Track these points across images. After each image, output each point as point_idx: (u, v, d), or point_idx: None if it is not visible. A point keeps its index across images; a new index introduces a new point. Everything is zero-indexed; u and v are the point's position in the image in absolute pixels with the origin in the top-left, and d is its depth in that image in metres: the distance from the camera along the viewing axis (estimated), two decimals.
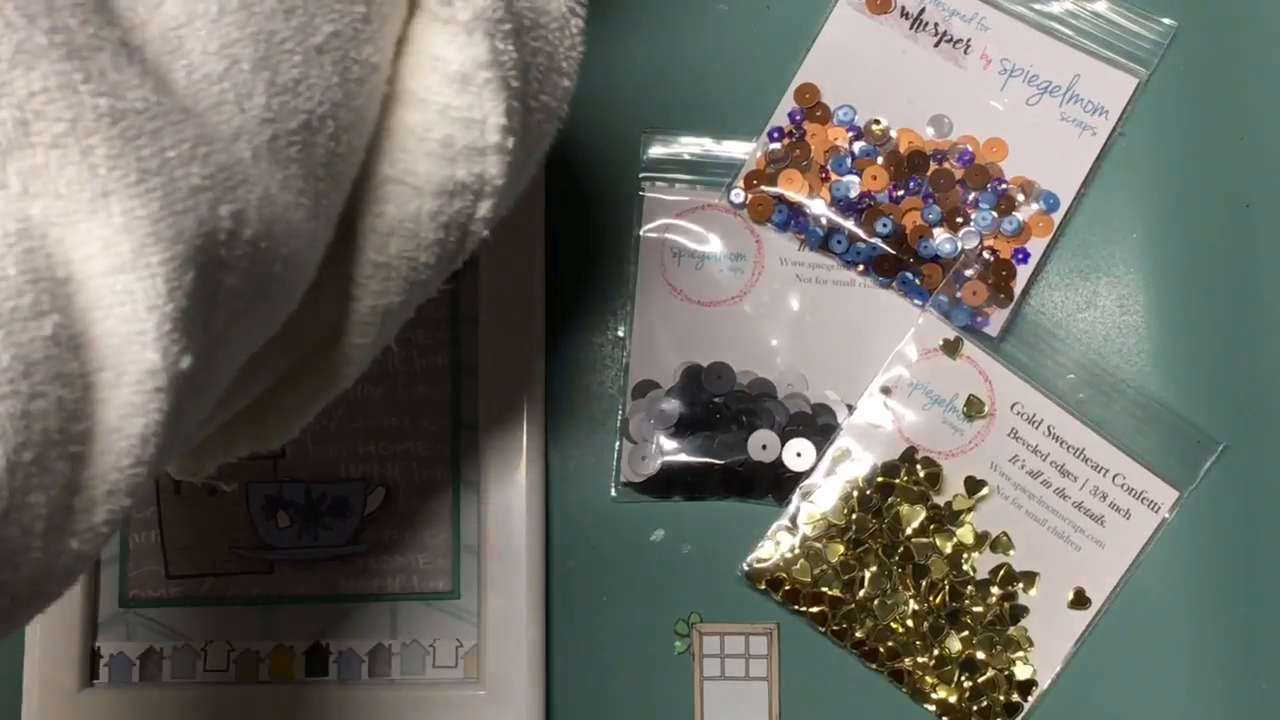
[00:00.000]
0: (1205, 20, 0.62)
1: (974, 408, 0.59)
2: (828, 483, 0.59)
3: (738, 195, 0.61)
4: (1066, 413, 0.59)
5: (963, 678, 0.57)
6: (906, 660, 0.58)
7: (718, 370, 0.60)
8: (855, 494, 0.58)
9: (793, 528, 0.58)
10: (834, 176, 0.61)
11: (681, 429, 0.59)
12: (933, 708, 0.57)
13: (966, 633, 0.58)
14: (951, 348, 0.59)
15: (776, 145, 0.61)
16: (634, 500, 0.59)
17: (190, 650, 0.57)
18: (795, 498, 0.58)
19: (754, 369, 0.60)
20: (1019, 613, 0.58)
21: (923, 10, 0.61)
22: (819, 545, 0.58)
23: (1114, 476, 0.58)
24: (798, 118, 0.61)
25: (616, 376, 0.60)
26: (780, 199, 0.60)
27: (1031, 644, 0.58)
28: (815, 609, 0.58)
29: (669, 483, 0.59)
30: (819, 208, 0.60)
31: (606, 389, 0.60)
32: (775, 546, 0.58)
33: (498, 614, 0.56)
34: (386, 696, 0.56)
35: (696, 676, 0.58)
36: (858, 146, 0.61)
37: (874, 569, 0.58)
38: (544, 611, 0.57)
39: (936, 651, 0.57)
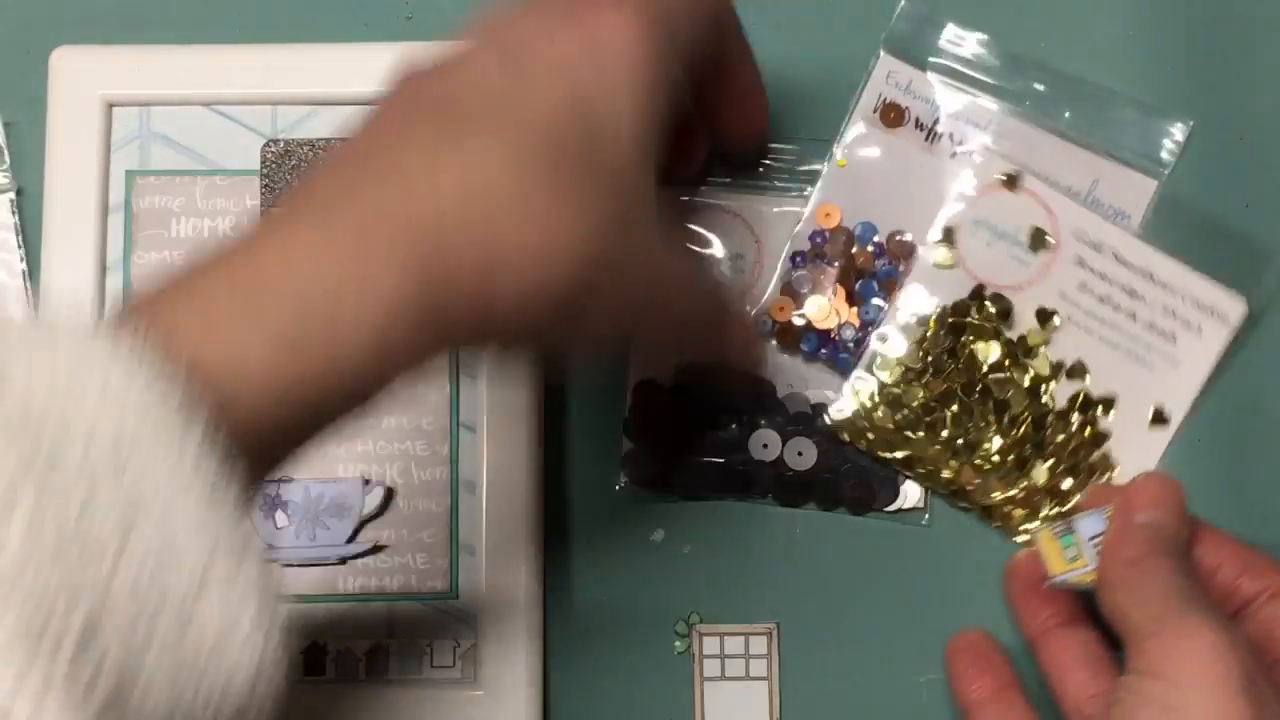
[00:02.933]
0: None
1: (1038, 240, 0.59)
2: (899, 328, 0.59)
3: (765, 324, 0.59)
4: (1129, 235, 0.59)
5: (1051, 507, 0.58)
6: (995, 495, 0.58)
7: (718, 370, 0.59)
8: (928, 335, 0.58)
9: (868, 376, 0.58)
10: (861, 301, 0.59)
11: (682, 428, 0.59)
12: (1023, 538, 0.58)
13: (1052, 461, 0.58)
14: (1011, 182, 0.59)
15: (801, 272, 0.59)
16: (634, 500, 0.59)
17: None
18: (871, 341, 0.58)
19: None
20: (1100, 438, 0.58)
21: (936, 122, 0.60)
22: (897, 390, 0.58)
23: (1181, 293, 0.58)
24: (819, 240, 0.59)
25: (616, 376, 0.59)
26: (809, 327, 0.59)
27: (1115, 466, 0.58)
28: (901, 454, 0.58)
29: (669, 482, 0.59)
30: (849, 333, 0.59)
31: (607, 389, 0.59)
32: (855, 396, 0.58)
33: (495, 614, 0.56)
34: (384, 696, 0.56)
35: (696, 677, 0.58)
36: (880, 265, 0.59)
37: (955, 408, 0.58)
38: (542, 612, 0.57)
39: (1024, 484, 0.58)
